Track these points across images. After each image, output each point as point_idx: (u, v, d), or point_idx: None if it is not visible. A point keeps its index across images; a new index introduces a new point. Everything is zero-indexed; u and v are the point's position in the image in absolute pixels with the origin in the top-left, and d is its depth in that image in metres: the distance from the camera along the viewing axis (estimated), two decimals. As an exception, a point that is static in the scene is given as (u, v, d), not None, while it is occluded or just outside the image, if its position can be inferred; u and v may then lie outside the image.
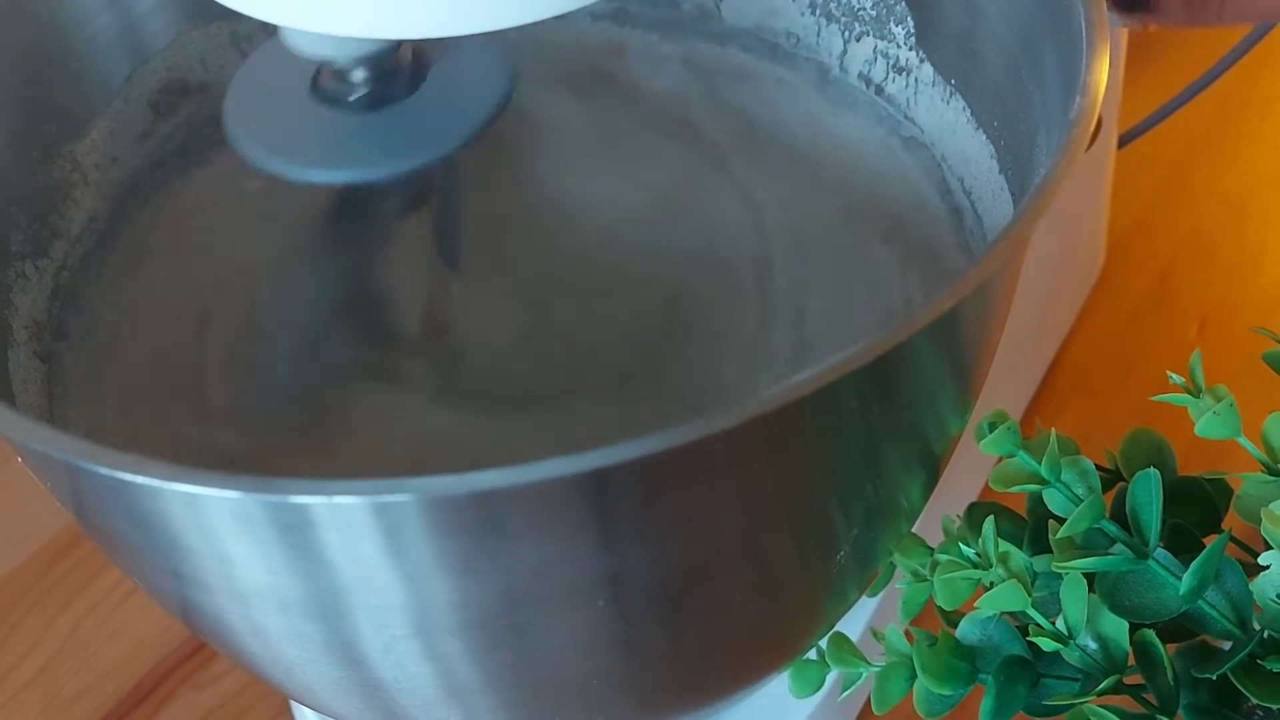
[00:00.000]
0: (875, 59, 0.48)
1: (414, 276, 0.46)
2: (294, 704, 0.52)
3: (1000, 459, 0.37)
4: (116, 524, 0.33)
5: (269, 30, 0.48)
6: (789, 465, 0.32)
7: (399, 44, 0.41)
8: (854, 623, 0.46)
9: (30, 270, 0.44)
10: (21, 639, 0.56)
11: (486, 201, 0.47)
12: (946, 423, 0.36)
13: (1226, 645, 0.36)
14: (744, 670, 0.40)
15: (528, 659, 0.34)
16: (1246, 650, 0.35)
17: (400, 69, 0.42)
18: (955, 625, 0.38)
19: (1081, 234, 0.62)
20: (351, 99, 0.42)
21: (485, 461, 0.28)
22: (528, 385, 0.43)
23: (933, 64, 0.46)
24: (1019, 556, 0.36)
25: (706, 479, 0.30)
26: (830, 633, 0.40)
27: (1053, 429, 0.36)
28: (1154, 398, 0.37)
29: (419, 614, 0.31)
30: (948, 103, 0.45)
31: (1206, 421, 0.36)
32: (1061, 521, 0.36)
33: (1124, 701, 0.35)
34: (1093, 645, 0.36)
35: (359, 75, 0.42)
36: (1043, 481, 0.36)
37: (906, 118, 0.47)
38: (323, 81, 0.42)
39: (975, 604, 0.36)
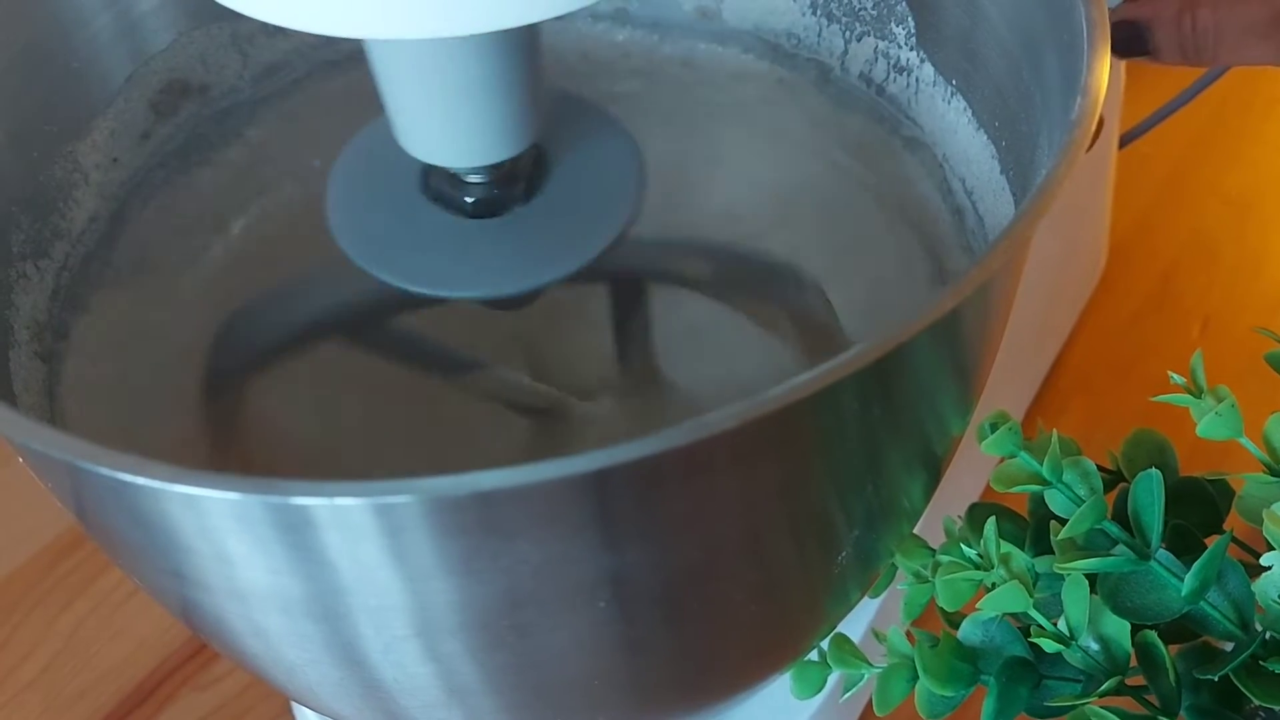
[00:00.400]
0: (876, 59, 0.48)
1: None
2: (295, 705, 0.52)
3: (1002, 460, 0.37)
4: (118, 524, 0.33)
5: (269, 30, 0.48)
6: (790, 466, 0.32)
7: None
8: (856, 624, 0.46)
9: (31, 270, 0.44)
10: (23, 639, 0.56)
11: None
12: (948, 423, 0.36)
13: (1228, 646, 0.36)
14: (745, 671, 0.39)
15: (529, 659, 0.34)
16: (1249, 651, 0.35)
17: (520, 172, 0.40)
18: (957, 626, 0.38)
19: (1083, 234, 0.62)
20: (467, 201, 0.40)
21: None
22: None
23: (934, 64, 0.46)
24: (1020, 557, 0.36)
25: (707, 480, 0.30)
26: (832, 634, 0.40)
27: (1054, 430, 0.36)
28: (1155, 398, 0.37)
29: (420, 615, 0.31)
30: (949, 103, 0.45)
31: (1208, 422, 0.36)
32: (1063, 522, 0.36)
33: (1126, 703, 0.35)
34: (1094, 646, 0.36)
35: (475, 177, 0.40)
36: (1044, 482, 0.36)
37: (907, 118, 0.47)
38: (434, 180, 0.40)
39: (977, 605, 0.36)
